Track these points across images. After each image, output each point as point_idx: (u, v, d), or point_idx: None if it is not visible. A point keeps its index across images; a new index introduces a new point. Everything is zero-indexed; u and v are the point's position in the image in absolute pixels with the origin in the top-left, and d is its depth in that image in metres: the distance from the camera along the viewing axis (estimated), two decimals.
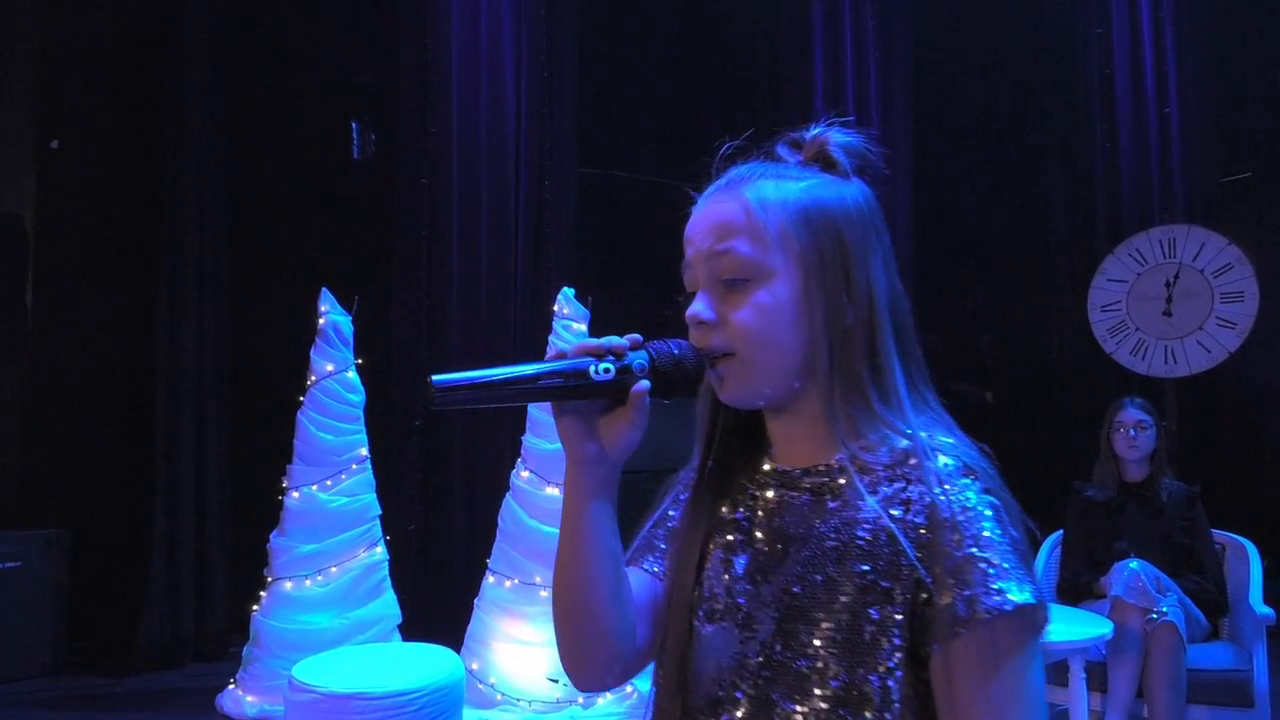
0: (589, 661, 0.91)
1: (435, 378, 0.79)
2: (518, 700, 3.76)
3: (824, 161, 0.88)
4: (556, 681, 3.75)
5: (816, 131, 0.90)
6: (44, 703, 4.21)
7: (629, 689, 3.82)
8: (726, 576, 0.87)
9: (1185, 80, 5.32)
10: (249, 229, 5.23)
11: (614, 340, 0.84)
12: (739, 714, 0.82)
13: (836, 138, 0.89)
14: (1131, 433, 3.54)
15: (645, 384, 0.83)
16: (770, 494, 0.88)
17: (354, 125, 5.40)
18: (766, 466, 0.90)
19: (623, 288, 5.53)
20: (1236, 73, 5.39)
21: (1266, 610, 3.27)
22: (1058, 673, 3.11)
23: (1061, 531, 3.73)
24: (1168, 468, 3.62)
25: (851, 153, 0.88)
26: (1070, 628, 3.01)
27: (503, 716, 3.76)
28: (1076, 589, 3.50)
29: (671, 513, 0.97)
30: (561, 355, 0.83)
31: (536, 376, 0.81)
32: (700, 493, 0.93)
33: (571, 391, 0.83)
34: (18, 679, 4.43)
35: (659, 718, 0.89)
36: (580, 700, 3.76)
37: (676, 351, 0.85)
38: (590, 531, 0.87)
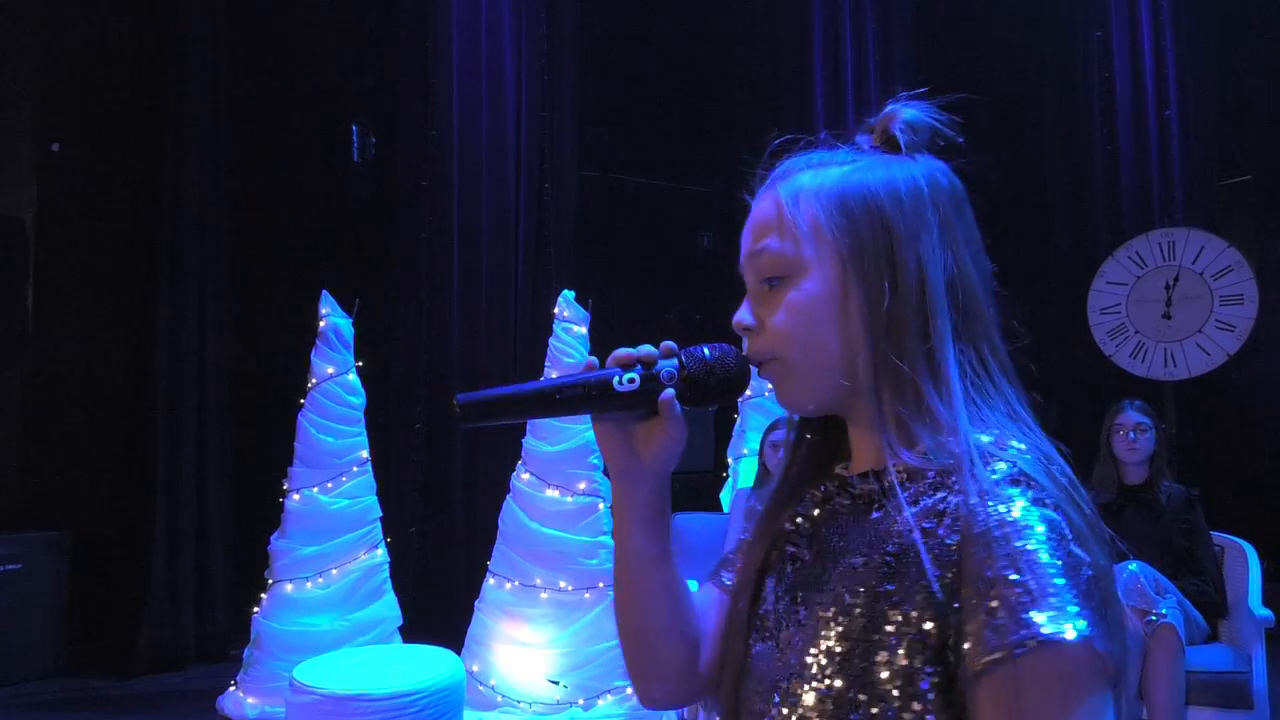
0: (651, 675, 0.88)
1: (460, 396, 0.77)
2: (518, 702, 3.77)
3: (889, 142, 0.82)
4: (557, 683, 3.75)
5: (886, 111, 0.83)
6: (45, 705, 4.22)
7: (628, 690, 3.83)
8: (777, 591, 0.82)
9: (1185, 84, 5.33)
10: (250, 232, 5.24)
11: (646, 349, 0.80)
12: None
13: (904, 114, 0.82)
14: (1131, 435, 3.54)
15: (670, 392, 0.79)
16: (827, 503, 0.82)
17: (354, 128, 5.41)
18: (838, 472, 0.84)
19: (623, 290, 5.55)
20: (1236, 76, 5.40)
21: (1265, 612, 3.28)
22: None
23: None
24: (1167, 470, 3.62)
25: (914, 128, 0.81)
26: None
27: (503, 718, 3.76)
28: None
29: (749, 526, 0.91)
30: (591, 367, 0.80)
31: (559, 389, 0.79)
32: (772, 503, 0.88)
33: (596, 404, 0.80)
34: (19, 681, 4.44)
35: None
36: (581, 702, 3.76)
37: (711, 357, 0.81)
38: (637, 544, 0.85)
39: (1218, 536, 3.57)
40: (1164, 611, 3.08)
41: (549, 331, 4.10)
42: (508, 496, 3.99)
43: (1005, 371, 0.77)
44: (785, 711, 0.74)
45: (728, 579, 0.90)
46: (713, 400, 0.82)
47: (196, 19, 4.93)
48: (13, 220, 5.00)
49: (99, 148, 5.11)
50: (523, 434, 4.08)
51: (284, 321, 4.72)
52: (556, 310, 4.11)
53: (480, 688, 3.79)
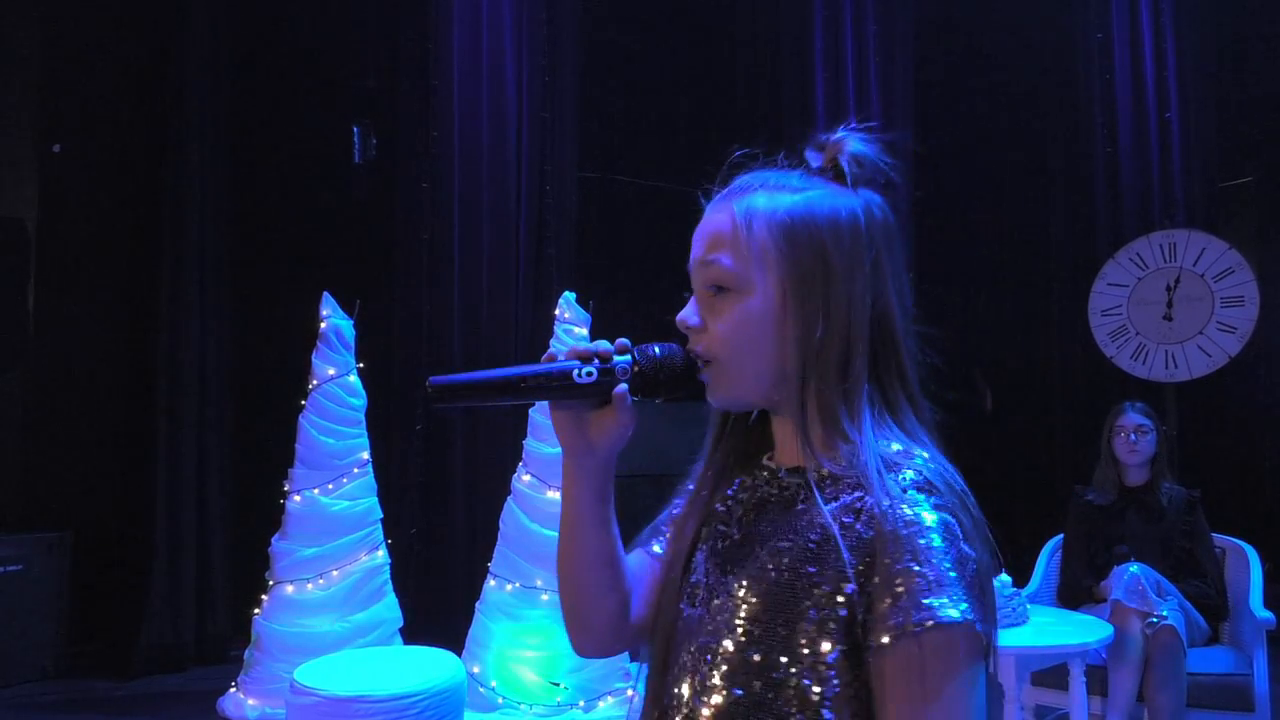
0: (584, 626, 1.00)
1: (433, 379, 0.85)
2: (519, 703, 3.77)
3: (835, 170, 0.89)
4: (558, 685, 3.75)
5: (836, 137, 0.91)
6: (45, 706, 4.22)
7: (630, 693, 3.82)
8: (706, 565, 0.92)
9: (1185, 85, 5.33)
10: (250, 233, 5.25)
11: (602, 344, 0.89)
12: (685, 693, 0.87)
13: (851, 146, 0.89)
14: (1132, 437, 3.54)
15: (623, 386, 0.88)
16: (756, 491, 0.92)
17: (355, 129, 5.41)
18: (765, 463, 0.94)
19: (624, 291, 5.54)
20: (1236, 77, 5.41)
21: (1267, 614, 3.28)
22: (1058, 676, 3.11)
23: (1062, 535, 3.74)
24: (1168, 472, 3.62)
25: (860, 162, 0.89)
26: (1070, 631, 3.01)
27: None
28: (1077, 593, 3.50)
29: (678, 501, 1.02)
30: (553, 358, 0.89)
31: (523, 377, 0.87)
32: (701, 484, 0.98)
33: (557, 392, 0.88)
34: (19, 682, 4.44)
35: (648, 700, 0.93)
36: (581, 704, 3.76)
37: (660, 355, 0.89)
38: (580, 510, 0.96)
39: (1219, 538, 3.57)
40: (1165, 613, 3.08)
41: (550, 333, 4.10)
42: (508, 498, 3.99)
43: (911, 398, 0.88)
44: (713, 670, 0.84)
45: (658, 546, 1.02)
46: (660, 394, 0.90)
47: (198, 21, 4.94)
48: (14, 221, 5.00)
49: (100, 149, 5.12)
50: (524, 435, 4.08)
51: (285, 323, 4.72)
52: (557, 312, 4.11)
53: (481, 689, 3.79)
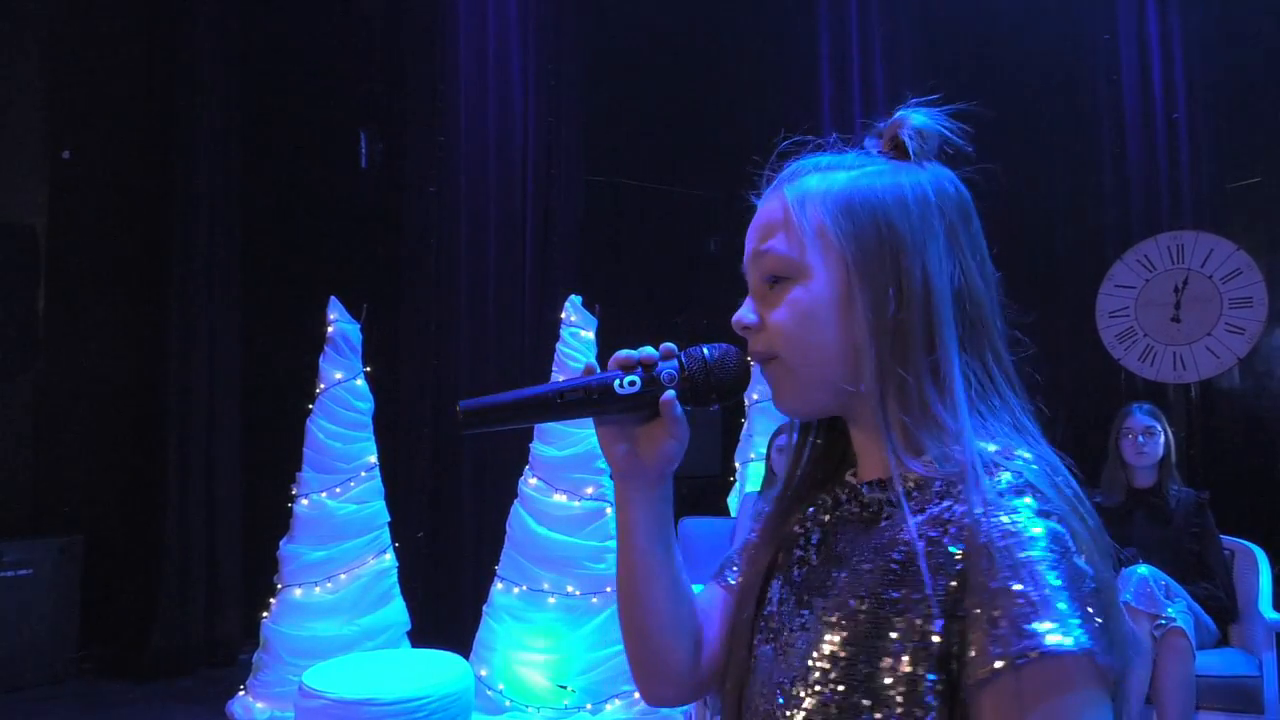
0: (653, 673, 0.90)
1: (463, 403, 0.79)
2: (526, 706, 3.77)
3: (897, 147, 0.82)
4: (565, 688, 3.76)
5: (895, 116, 0.83)
6: (56, 709, 4.23)
7: (636, 695, 3.82)
8: (781, 595, 0.82)
9: (1193, 86, 5.31)
10: (258, 238, 5.26)
11: (646, 351, 0.81)
12: None
13: (913, 120, 0.81)
14: (1140, 439, 3.54)
15: (670, 394, 0.80)
16: (837, 510, 0.82)
17: (362, 135, 5.43)
18: (847, 479, 0.83)
19: (630, 295, 5.55)
20: (1244, 78, 5.38)
21: (1275, 616, 3.27)
22: None
23: None
24: (1176, 474, 3.61)
25: (923, 135, 0.81)
26: None
27: None
28: None
29: (753, 527, 0.92)
30: (591, 370, 0.81)
31: (561, 393, 0.80)
32: (778, 507, 0.88)
33: (598, 406, 0.80)
34: (30, 685, 4.46)
35: None
36: (589, 706, 3.76)
37: (710, 357, 0.81)
38: (638, 539, 0.87)
39: (1227, 540, 3.55)
40: (1174, 615, 3.07)
41: (556, 336, 4.10)
42: (515, 501, 4.00)
43: (1010, 382, 0.77)
44: (789, 713, 0.74)
45: (732, 578, 0.91)
46: (713, 400, 0.82)
47: (206, 27, 4.96)
48: (24, 227, 5.02)
49: (109, 155, 5.14)
50: (530, 439, 4.09)
51: (293, 327, 4.74)
52: (563, 315, 4.12)
53: (488, 692, 3.79)
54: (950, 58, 5.94)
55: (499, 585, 3.94)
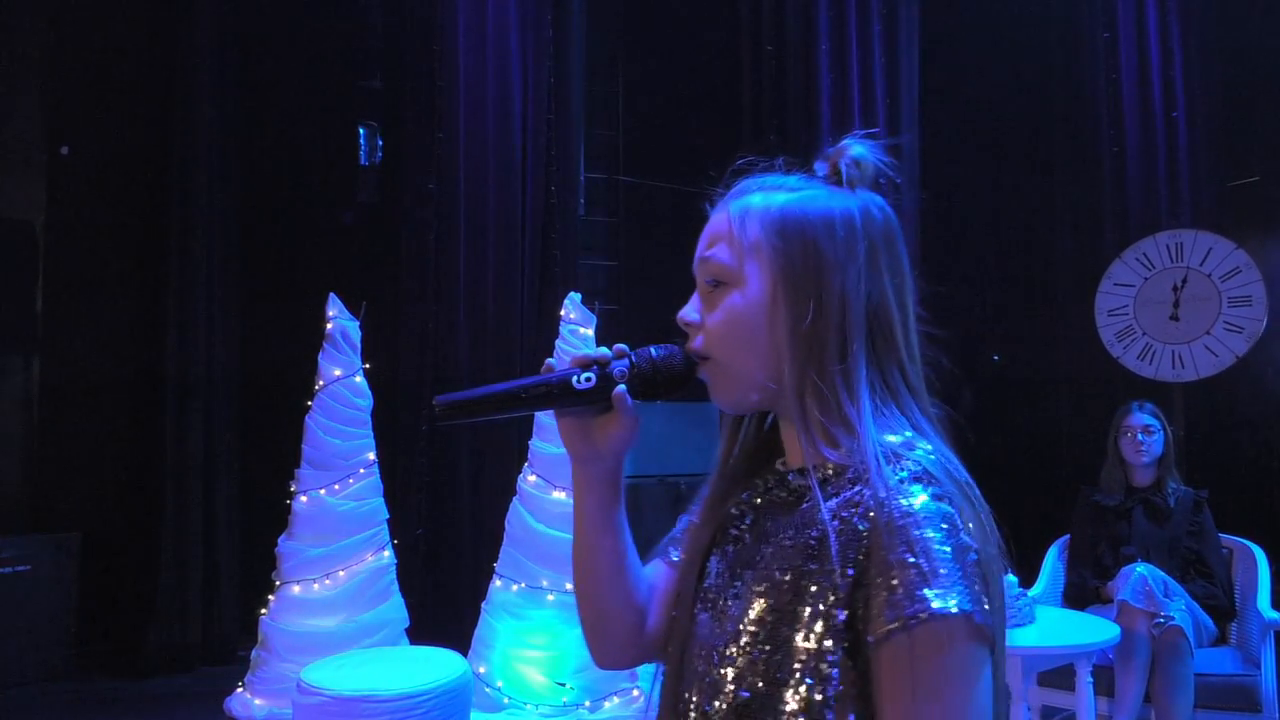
0: (603, 637, 1.01)
1: (438, 398, 0.88)
2: (525, 703, 3.77)
3: (836, 174, 0.92)
4: (564, 685, 3.76)
5: (839, 145, 0.93)
6: (53, 706, 4.24)
7: (635, 692, 3.83)
8: (718, 569, 0.93)
9: (1192, 84, 5.31)
10: (257, 234, 5.26)
11: (601, 351, 0.91)
12: (696, 698, 0.87)
13: (852, 150, 0.92)
14: (1139, 437, 3.54)
15: (621, 388, 0.90)
16: (767, 494, 0.93)
17: (361, 131, 5.42)
18: (776, 467, 0.94)
19: (630, 293, 5.55)
20: (1243, 76, 5.38)
21: (1274, 615, 3.27)
22: (1064, 677, 3.11)
23: (1068, 536, 3.73)
24: (1175, 472, 3.62)
25: (859, 164, 0.91)
26: (1077, 632, 3.01)
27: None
28: (1084, 593, 3.50)
29: (694, 509, 1.02)
30: (550, 369, 0.91)
31: (525, 388, 0.89)
32: (715, 491, 0.98)
33: (559, 400, 0.90)
34: (27, 682, 4.46)
35: (663, 708, 0.93)
36: (587, 704, 3.76)
37: (657, 356, 0.91)
38: (592, 519, 0.97)
39: (1226, 539, 3.56)
40: (1172, 614, 3.07)
41: (556, 334, 4.10)
42: (514, 498, 4.00)
43: (913, 389, 0.88)
44: (722, 671, 0.84)
45: (675, 555, 1.02)
46: (660, 395, 0.92)
47: (204, 23, 4.95)
48: (22, 223, 5.02)
49: (108, 151, 5.13)
50: (529, 436, 4.09)
51: (291, 324, 4.73)
52: (563, 313, 4.12)
53: (487, 689, 3.79)
54: (950, 57, 5.94)
55: (497, 582, 3.94)
